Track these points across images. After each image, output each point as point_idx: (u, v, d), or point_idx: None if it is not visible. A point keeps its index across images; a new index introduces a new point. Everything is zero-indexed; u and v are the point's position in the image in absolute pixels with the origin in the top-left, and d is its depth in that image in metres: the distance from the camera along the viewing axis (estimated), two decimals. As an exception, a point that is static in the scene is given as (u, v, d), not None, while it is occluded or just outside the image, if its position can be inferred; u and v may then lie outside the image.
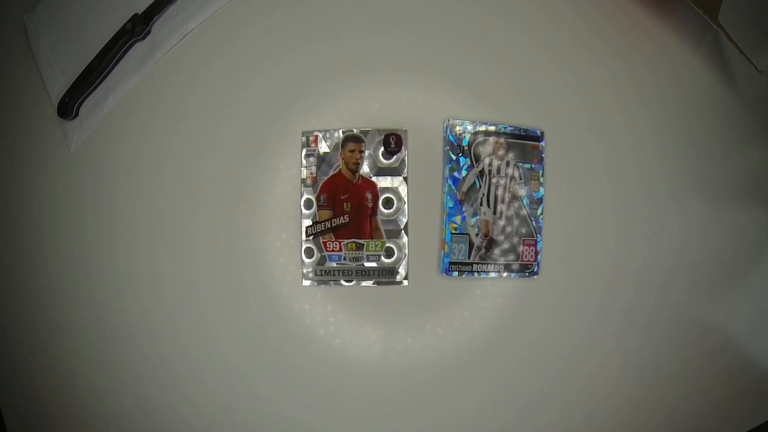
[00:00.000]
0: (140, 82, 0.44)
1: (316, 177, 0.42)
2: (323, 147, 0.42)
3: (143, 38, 0.44)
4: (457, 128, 0.42)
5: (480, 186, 0.42)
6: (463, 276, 0.42)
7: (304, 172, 0.42)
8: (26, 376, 0.49)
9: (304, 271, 0.42)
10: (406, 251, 0.42)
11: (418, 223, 0.42)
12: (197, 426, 0.44)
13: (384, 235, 0.41)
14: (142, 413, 0.45)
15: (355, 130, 0.42)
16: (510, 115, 0.43)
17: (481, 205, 0.42)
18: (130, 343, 0.44)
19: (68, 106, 0.44)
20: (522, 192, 0.42)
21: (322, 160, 0.42)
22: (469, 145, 0.42)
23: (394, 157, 0.42)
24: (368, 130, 0.42)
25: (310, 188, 0.42)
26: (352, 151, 0.42)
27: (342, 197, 0.41)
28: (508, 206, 0.42)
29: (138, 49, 0.44)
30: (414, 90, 0.42)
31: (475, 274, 0.42)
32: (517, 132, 0.42)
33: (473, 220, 0.42)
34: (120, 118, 0.44)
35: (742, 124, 0.49)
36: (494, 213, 0.42)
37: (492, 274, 0.42)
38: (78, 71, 0.44)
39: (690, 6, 0.42)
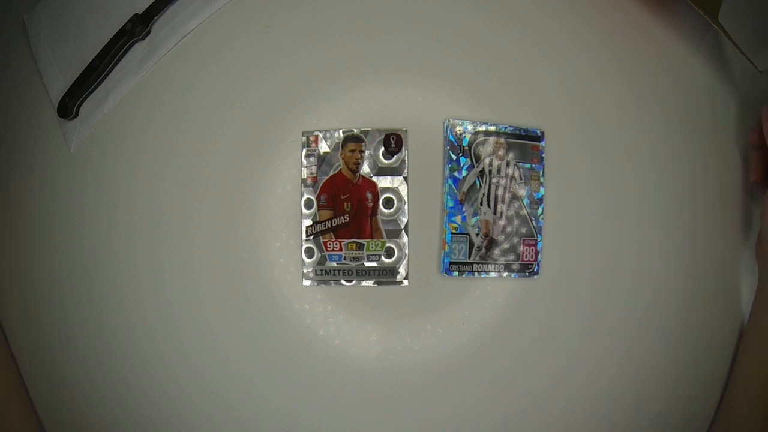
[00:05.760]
0: (140, 82, 0.44)
1: (316, 177, 0.42)
2: (323, 147, 0.42)
3: (143, 38, 0.44)
4: (458, 128, 0.42)
5: (480, 186, 0.42)
6: (464, 276, 0.42)
7: (305, 172, 0.42)
8: (26, 376, 0.49)
9: (305, 270, 0.42)
10: (407, 251, 0.42)
11: (418, 223, 0.42)
12: (197, 426, 0.44)
13: (384, 235, 0.41)
14: (142, 413, 0.45)
15: (355, 130, 0.42)
16: (510, 115, 0.43)
17: (481, 205, 0.42)
18: (130, 343, 0.44)
19: (68, 106, 0.44)
20: (522, 192, 0.42)
21: (323, 160, 0.42)
22: (470, 145, 0.42)
23: (395, 157, 0.42)
24: (368, 130, 0.42)
25: (311, 188, 0.42)
26: (352, 151, 0.42)
27: (342, 197, 0.42)
28: (509, 206, 0.42)
29: (138, 50, 0.44)
30: (414, 90, 0.42)
31: (476, 274, 0.42)
32: (517, 132, 0.42)
33: (473, 220, 0.42)
34: (120, 118, 0.44)
35: (741, 124, 0.49)
36: (494, 213, 0.42)
37: (492, 274, 0.42)
38: (78, 71, 0.44)
39: (690, 6, 0.42)
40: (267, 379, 0.43)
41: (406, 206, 0.42)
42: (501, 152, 0.42)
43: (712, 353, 0.48)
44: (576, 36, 0.44)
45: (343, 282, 0.42)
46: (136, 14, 0.44)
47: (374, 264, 0.42)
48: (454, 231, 0.41)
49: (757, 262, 0.48)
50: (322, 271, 0.42)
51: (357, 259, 0.42)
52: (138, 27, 0.43)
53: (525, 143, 0.42)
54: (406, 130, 0.42)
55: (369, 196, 0.42)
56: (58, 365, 0.47)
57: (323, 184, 0.42)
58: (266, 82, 0.43)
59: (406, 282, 0.42)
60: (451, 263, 0.41)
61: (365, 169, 0.42)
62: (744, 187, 0.49)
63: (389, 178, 0.42)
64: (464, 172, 0.42)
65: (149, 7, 0.44)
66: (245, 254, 0.42)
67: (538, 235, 0.43)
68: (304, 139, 0.42)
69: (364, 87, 0.42)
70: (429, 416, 0.43)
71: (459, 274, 0.42)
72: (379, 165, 0.42)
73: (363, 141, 0.42)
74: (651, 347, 0.45)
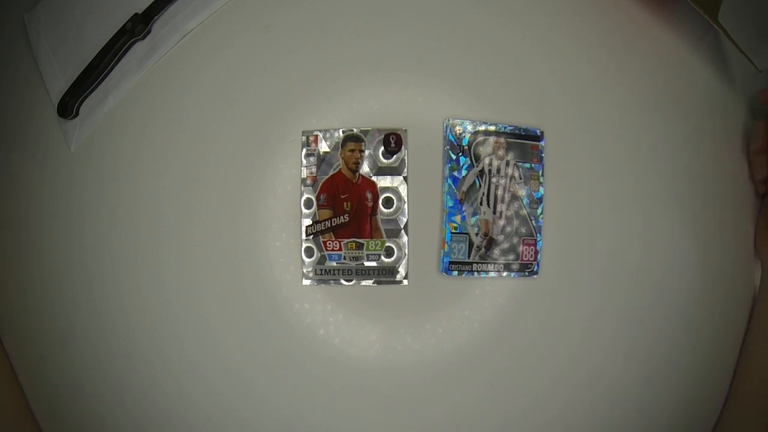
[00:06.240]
0: (140, 82, 0.44)
1: (316, 176, 0.42)
2: (323, 146, 0.42)
3: (143, 38, 0.44)
4: (457, 128, 0.42)
5: (480, 185, 0.42)
6: (463, 275, 0.42)
7: (305, 172, 0.42)
8: (26, 376, 0.49)
9: (304, 270, 0.42)
10: (406, 251, 0.42)
11: (418, 222, 0.42)
12: (197, 426, 0.44)
13: (384, 235, 0.41)
14: (142, 413, 0.45)
15: (355, 130, 0.42)
16: (510, 115, 0.43)
17: (480, 204, 0.42)
18: (130, 343, 0.44)
19: (68, 106, 0.44)
20: (522, 192, 0.42)
21: (322, 159, 0.42)
22: (469, 144, 0.42)
23: (394, 156, 0.42)
24: (368, 130, 0.42)
25: (310, 188, 0.42)
26: (352, 150, 0.42)
27: (342, 197, 0.42)
28: (508, 206, 0.42)
29: (138, 49, 0.44)
30: (414, 90, 0.42)
31: (475, 273, 0.42)
32: (516, 132, 0.42)
33: (473, 219, 0.42)
34: (120, 118, 0.44)
35: (741, 124, 0.49)
36: (494, 212, 0.42)
37: (492, 274, 0.42)
38: (78, 71, 0.44)
39: (690, 6, 0.42)
40: (267, 379, 0.43)
41: (406, 206, 0.42)
42: (501, 152, 0.42)
43: (713, 353, 0.48)
44: (576, 36, 0.44)
45: (343, 281, 0.42)
46: (136, 14, 0.44)
47: (374, 263, 0.42)
48: (453, 230, 0.41)
49: (759, 256, 0.49)
50: (321, 270, 0.42)
51: (356, 258, 0.42)
52: (138, 26, 0.43)
53: (524, 143, 0.42)
54: (405, 130, 0.42)
55: (369, 195, 0.42)
56: (58, 365, 0.47)
57: (323, 183, 0.42)
58: (266, 82, 0.43)
59: (405, 281, 0.42)
60: (450, 263, 0.41)
61: (365, 168, 0.42)
62: (744, 187, 0.49)
63: (389, 177, 0.42)
64: (464, 172, 0.42)
65: (149, 6, 0.44)
66: (245, 254, 0.42)
67: (538, 234, 0.43)
68: (303, 138, 0.42)
69: (364, 87, 0.42)
70: (429, 416, 0.43)
71: (458, 274, 0.42)
72: (379, 164, 0.42)
73: (363, 140, 0.42)
74: (651, 347, 0.45)
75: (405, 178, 0.42)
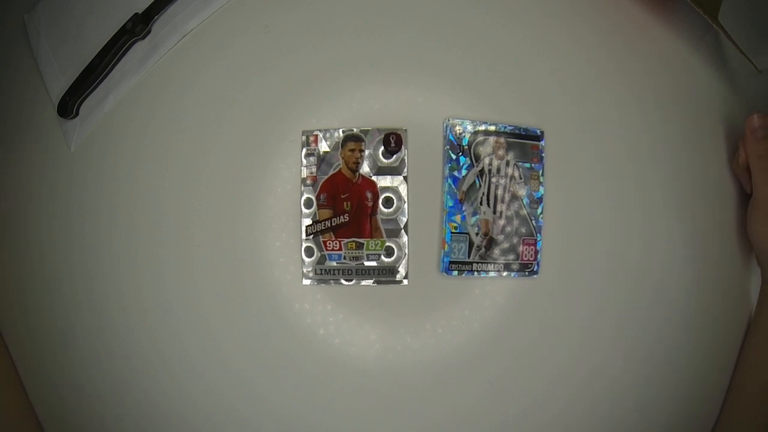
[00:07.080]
0: (140, 82, 0.44)
1: (316, 176, 0.42)
2: (323, 146, 0.42)
3: (143, 38, 0.44)
4: (457, 128, 0.42)
5: (480, 185, 0.42)
6: (463, 275, 0.42)
7: (305, 172, 0.42)
8: (26, 376, 0.49)
9: (304, 270, 0.42)
10: (406, 250, 0.42)
11: (418, 222, 0.42)
12: (197, 426, 0.44)
13: (384, 234, 0.41)
14: (142, 413, 0.45)
15: (355, 130, 0.42)
16: (510, 115, 0.43)
17: (480, 204, 0.42)
18: (130, 343, 0.44)
19: (69, 105, 0.44)
20: (522, 191, 0.42)
21: (322, 159, 0.42)
22: (469, 144, 0.42)
23: (394, 156, 0.42)
24: (368, 130, 0.42)
25: (310, 187, 0.42)
26: (352, 150, 0.42)
27: (342, 196, 0.41)
28: (508, 206, 0.42)
29: (138, 49, 0.44)
30: (414, 90, 0.42)
31: (475, 273, 0.42)
32: (517, 131, 0.42)
33: (473, 219, 0.42)
34: (120, 118, 0.44)
35: (741, 124, 0.49)
36: (494, 212, 0.42)
37: (492, 274, 0.42)
38: (78, 71, 0.44)
39: (690, 6, 0.43)
40: (267, 379, 0.43)
41: (406, 205, 0.42)
42: (501, 152, 0.42)
43: (713, 353, 0.48)
44: (576, 36, 0.44)
45: (343, 281, 0.42)
46: (136, 13, 0.44)
47: (374, 263, 0.42)
48: (453, 230, 0.41)
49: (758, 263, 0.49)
50: (321, 270, 0.42)
51: (356, 258, 0.42)
52: (138, 26, 0.43)
53: (524, 143, 0.42)
54: (405, 130, 0.42)
55: (369, 195, 0.41)
56: (58, 365, 0.47)
57: (323, 183, 0.42)
58: (266, 82, 0.43)
59: (405, 281, 0.42)
60: (450, 262, 0.41)
61: (365, 168, 0.42)
62: (745, 187, 0.49)
63: (389, 177, 0.42)
64: (464, 172, 0.42)
65: (149, 6, 0.44)
66: (245, 254, 0.42)
67: (538, 234, 0.43)
68: (303, 138, 0.42)
69: (364, 87, 0.42)
70: (429, 416, 0.43)
71: (459, 274, 0.42)
72: (379, 164, 0.42)
73: (363, 140, 0.42)
74: (651, 347, 0.45)
75: (405, 178, 0.42)
